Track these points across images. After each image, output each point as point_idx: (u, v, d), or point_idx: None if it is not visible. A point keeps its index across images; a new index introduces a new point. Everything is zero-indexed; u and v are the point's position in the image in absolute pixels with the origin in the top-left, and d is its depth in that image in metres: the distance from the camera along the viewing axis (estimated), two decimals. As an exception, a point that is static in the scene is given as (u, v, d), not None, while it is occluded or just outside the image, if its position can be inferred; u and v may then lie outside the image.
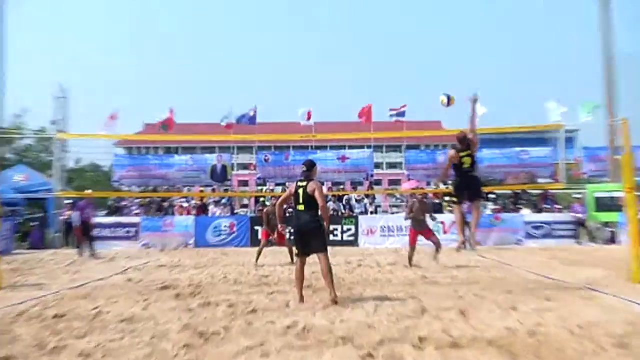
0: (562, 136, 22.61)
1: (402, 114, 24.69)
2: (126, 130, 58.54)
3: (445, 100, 12.70)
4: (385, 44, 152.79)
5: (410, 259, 13.83)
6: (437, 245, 13.46)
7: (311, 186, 8.54)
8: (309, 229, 8.53)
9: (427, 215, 13.79)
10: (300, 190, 8.60)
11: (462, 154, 9.57)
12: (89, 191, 20.62)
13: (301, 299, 8.75)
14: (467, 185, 9.59)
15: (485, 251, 17.68)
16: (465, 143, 9.56)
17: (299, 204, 8.59)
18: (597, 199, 21.27)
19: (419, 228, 13.74)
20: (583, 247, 19.95)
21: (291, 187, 8.91)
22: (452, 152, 9.59)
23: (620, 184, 11.68)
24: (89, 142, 21.89)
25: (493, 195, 22.73)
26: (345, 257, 16.58)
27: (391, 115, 24.66)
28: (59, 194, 22.38)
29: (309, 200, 8.50)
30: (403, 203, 26.55)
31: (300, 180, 8.75)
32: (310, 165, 8.79)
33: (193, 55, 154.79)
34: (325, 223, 8.52)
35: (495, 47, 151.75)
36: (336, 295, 8.57)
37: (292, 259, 14.20)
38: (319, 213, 8.49)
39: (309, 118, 24.96)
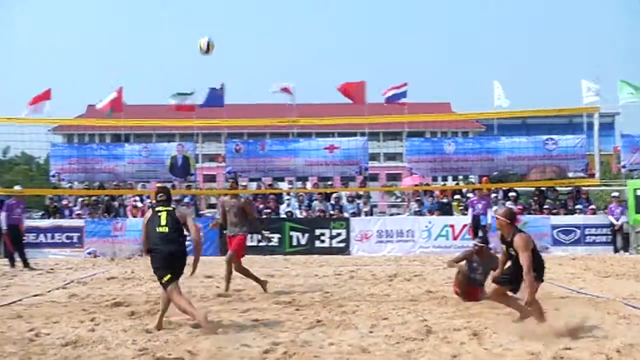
0: (597, 122, 22.51)
1: (402, 94, 24.74)
2: (65, 114, 58.38)
3: (205, 46, 12.60)
4: (383, 6, 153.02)
5: None
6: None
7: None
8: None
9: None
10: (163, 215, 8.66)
11: None
12: (18, 187, 20.53)
13: (158, 325, 8.55)
14: None
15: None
16: None
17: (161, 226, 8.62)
18: (640, 197, 21.51)
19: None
20: (622, 256, 20.17)
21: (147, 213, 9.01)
22: None
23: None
24: (20, 127, 21.69)
25: (514, 194, 22.84)
26: (334, 267, 16.71)
27: (388, 98, 24.65)
28: (-17, 191, 22.34)
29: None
30: (404, 203, 26.69)
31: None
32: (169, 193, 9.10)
33: (145, 21, 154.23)
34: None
35: (521, 12, 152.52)
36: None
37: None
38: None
39: (287, 92, 24.98)
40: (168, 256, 8.37)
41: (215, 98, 24.54)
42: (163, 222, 8.51)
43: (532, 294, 7.93)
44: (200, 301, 10.96)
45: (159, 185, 9.44)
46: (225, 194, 13.38)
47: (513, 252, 8.25)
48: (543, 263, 8.37)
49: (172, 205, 8.94)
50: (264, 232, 12.41)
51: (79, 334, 8.11)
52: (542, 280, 8.36)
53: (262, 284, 12.14)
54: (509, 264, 8.54)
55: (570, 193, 23.64)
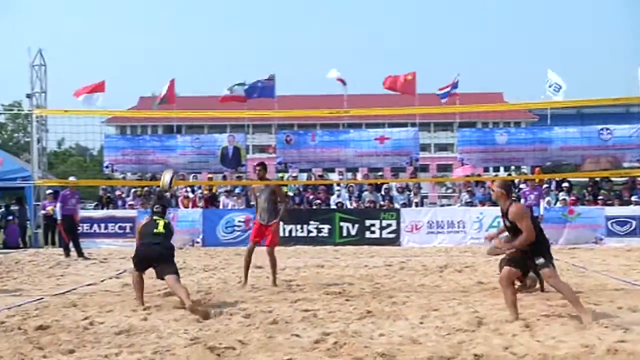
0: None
1: (454, 86, 24.65)
2: (118, 106, 59.12)
3: (167, 181, 12.22)
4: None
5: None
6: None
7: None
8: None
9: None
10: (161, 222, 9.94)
11: None
12: (73, 178, 20.82)
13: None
14: None
15: (556, 252, 17.59)
16: None
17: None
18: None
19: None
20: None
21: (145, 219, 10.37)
22: None
23: None
24: (74, 119, 22.05)
25: (567, 184, 22.59)
26: (384, 258, 16.68)
27: (441, 95, 24.64)
28: (38, 182, 22.66)
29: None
30: (455, 194, 26.50)
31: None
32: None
33: (197, 13, 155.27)
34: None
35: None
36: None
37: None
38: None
39: (342, 82, 25.24)
40: (154, 253, 9.60)
41: (264, 90, 24.67)
42: (160, 227, 9.80)
43: (514, 246, 8.04)
44: (251, 291, 11.05)
45: (156, 198, 11.07)
46: (277, 184, 13.37)
47: (508, 224, 8.16)
48: (548, 243, 8.26)
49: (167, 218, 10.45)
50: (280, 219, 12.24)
51: (132, 323, 8.23)
52: (552, 263, 8.16)
53: (246, 279, 11.92)
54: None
55: (625, 184, 23.26)
